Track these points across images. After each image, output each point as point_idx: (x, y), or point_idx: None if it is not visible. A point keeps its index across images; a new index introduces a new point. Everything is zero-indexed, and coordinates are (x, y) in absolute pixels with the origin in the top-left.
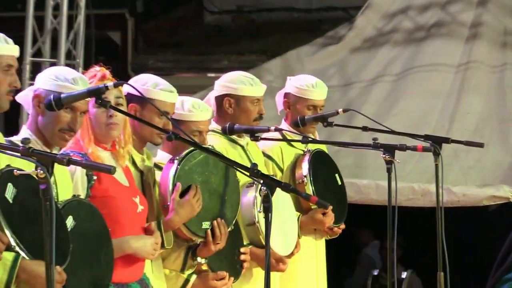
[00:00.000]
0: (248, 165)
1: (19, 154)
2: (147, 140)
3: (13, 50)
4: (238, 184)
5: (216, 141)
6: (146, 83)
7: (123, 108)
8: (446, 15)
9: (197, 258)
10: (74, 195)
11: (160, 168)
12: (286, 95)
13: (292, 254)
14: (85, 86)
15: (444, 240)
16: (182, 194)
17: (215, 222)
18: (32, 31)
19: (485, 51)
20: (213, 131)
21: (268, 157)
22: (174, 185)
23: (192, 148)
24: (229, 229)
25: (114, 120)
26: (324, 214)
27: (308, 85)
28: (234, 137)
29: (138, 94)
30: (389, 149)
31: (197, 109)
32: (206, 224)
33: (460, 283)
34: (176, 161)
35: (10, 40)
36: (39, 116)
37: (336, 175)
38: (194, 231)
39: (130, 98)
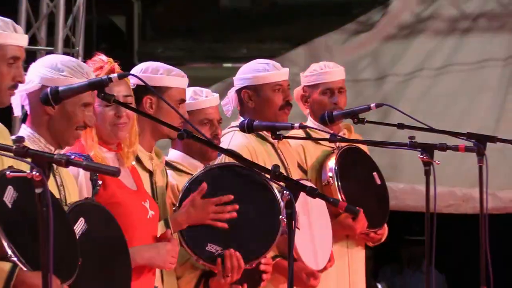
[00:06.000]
0: (278, 164)
1: (11, 154)
2: (165, 135)
3: (22, 39)
4: (278, 224)
5: (243, 140)
6: (159, 70)
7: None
8: (497, 6)
9: None
10: (87, 198)
11: (173, 168)
12: (303, 89)
13: (325, 268)
14: (92, 77)
15: (488, 251)
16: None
17: (227, 252)
18: (25, 16)
19: None
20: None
21: None
22: (192, 184)
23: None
24: (248, 266)
25: (123, 120)
26: (354, 218)
27: (317, 69)
28: (263, 133)
29: (151, 85)
30: (428, 149)
31: (201, 96)
32: (212, 247)
33: None
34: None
35: (19, 28)
36: (46, 114)
37: (375, 174)
38: (191, 247)
39: (143, 89)
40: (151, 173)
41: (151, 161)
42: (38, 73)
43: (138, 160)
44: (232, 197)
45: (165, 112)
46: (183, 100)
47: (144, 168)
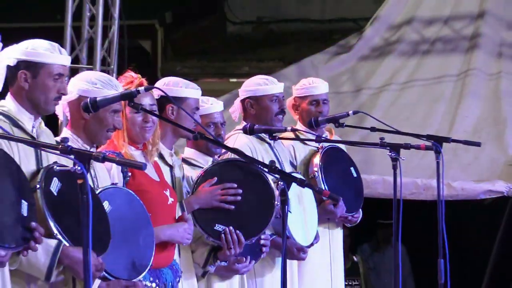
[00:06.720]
0: (274, 160)
1: (58, 152)
2: (183, 136)
3: (65, 60)
4: (273, 207)
5: (245, 140)
6: (179, 84)
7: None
8: (450, 31)
9: (217, 260)
10: (112, 183)
11: (188, 163)
12: (294, 99)
13: (312, 244)
14: (119, 89)
15: (444, 231)
16: None
17: (226, 229)
18: (70, 40)
19: (483, 60)
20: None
21: None
22: (203, 175)
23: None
24: (248, 242)
25: (149, 124)
26: (335, 205)
27: (306, 83)
28: (262, 135)
29: (172, 95)
30: (395, 148)
31: (207, 103)
32: (219, 227)
33: (458, 269)
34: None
35: (64, 50)
36: (83, 118)
37: (352, 168)
38: (202, 226)
39: (166, 99)
40: (171, 167)
41: (171, 157)
42: (76, 86)
43: (161, 156)
44: (235, 185)
45: (183, 117)
46: (197, 108)
47: (166, 163)
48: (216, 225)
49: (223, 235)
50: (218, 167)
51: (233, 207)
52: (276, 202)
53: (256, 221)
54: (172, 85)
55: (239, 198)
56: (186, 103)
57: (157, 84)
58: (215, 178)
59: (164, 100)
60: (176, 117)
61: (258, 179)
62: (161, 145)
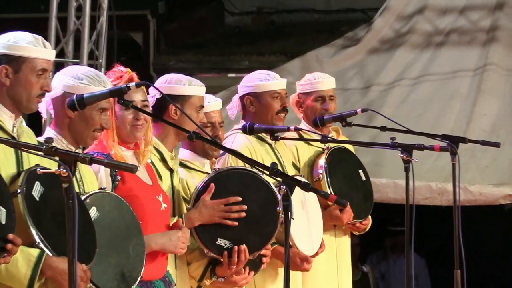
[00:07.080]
0: (276, 162)
1: (42, 154)
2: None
3: (50, 54)
4: (277, 219)
5: (244, 141)
6: (181, 81)
7: (148, 111)
8: (466, 22)
9: (214, 275)
10: (100, 188)
11: (183, 165)
12: (298, 96)
13: (316, 253)
14: (108, 85)
15: (461, 239)
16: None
17: (236, 248)
18: (55, 32)
19: (502, 54)
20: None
21: None
22: (203, 186)
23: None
24: (251, 257)
25: (140, 122)
26: (341, 210)
27: (310, 78)
28: (262, 135)
29: (175, 94)
30: (407, 149)
31: (204, 102)
32: (222, 242)
33: (476, 281)
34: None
35: (48, 44)
36: (67, 117)
37: (360, 171)
38: (203, 241)
39: (168, 99)
40: (171, 171)
41: (172, 161)
42: (61, 81)
43: (162, 159)
44: (240, 198)
45: (187, 117)
46: (202, 106)
47: (167, 166)
48: (219, 239)
49: (225, 252)
50: (219, 177)
51: (236, 223)
52: (279, 209)
53: (259, 234)
54: (175, 82)
55: (243, 214)
56: (190, 101)
57: (158, 81)
58: (212, 185)
59: (166, 100)
60: (179, 118)
61: (261, 189)
62: (162, 146)
